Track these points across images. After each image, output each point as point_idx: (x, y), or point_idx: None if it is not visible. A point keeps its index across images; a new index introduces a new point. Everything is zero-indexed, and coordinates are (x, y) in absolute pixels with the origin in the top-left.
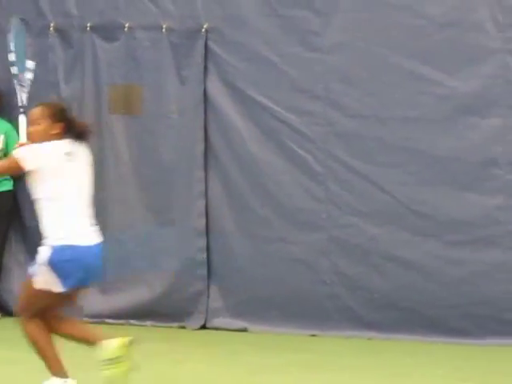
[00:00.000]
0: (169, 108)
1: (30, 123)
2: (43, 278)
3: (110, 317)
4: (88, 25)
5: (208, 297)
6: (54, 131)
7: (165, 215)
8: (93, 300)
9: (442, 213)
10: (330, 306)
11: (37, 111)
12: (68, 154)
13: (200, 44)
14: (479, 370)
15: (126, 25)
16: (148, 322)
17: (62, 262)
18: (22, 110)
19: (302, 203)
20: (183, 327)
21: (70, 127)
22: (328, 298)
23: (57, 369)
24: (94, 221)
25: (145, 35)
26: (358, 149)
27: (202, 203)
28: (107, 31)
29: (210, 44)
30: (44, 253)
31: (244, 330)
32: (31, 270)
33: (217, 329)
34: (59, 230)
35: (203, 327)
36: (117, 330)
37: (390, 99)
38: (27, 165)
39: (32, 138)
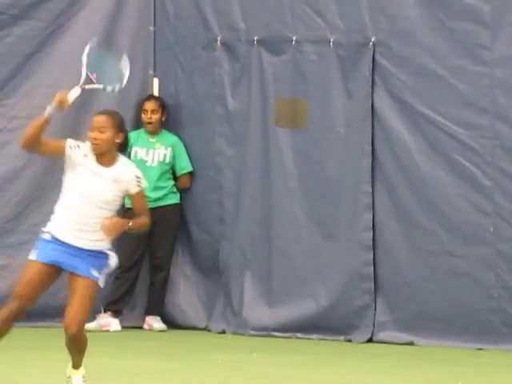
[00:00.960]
0: (335, 121)
1: (93, 129)
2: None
3: (276, 330)
4: (255, 38)
5: (375, 310)
6: (118, 140)
7: (331, 228)
8: (259, 313)
9: None
10: (496, 320)
11: (103, 119)
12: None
13: (367, 58)
14: None
15: (294, 38)
16: (314, 336)
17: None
18: None
19: (468, 217)
20: (349, 340)
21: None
22: (495, 312)
23: None
24: None
25: (312, 49)
26: None
27: (368, 217)
28: (274, 45)
29: (377, 57)
30: (115, 258)
31: (410, 343)
32: (94, 274)
33: (383, 342)
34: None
35: (369, 340)
36: (283, 343)
37: None
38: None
39: (97, 145)
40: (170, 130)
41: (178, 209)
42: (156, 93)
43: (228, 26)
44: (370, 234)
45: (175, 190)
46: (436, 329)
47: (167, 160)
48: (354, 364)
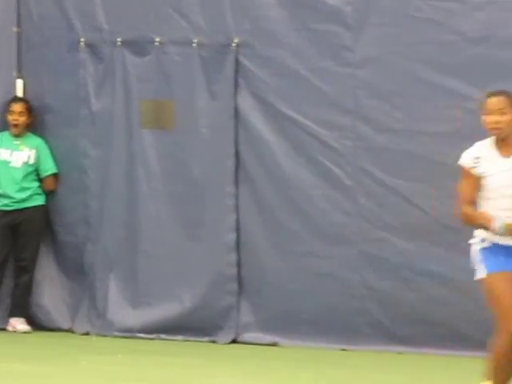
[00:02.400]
0: (199, 123)
1: (490, 112)
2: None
3: (140, 331)
4: (118, 39)
5: (238, 311)
6: None
7: (196, 230)
8: (124, 315)
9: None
10: (360, 321)
11: (500, 100)
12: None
13: (230, 59)
14: None
15: (157, 39)
16: (179, 337)
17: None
18: None
19: (332, 218)
20: (214, 341)
21: None
22: (358, 313)
23: None
24: None
25: (175, 50)
26: (388, 163)
27: (232, 218)
28: (138, 46)
29: (241, 58)
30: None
31: (274, 344)
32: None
33: (247, 343)
34: None
35: (234, 342)
36: (146, 345)
37: (420, 113)
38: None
39: (500, 128)
40: (35, 132)
41: (44, 210)
42: (20, 94)
43: (91, 27)
44: (234, 235)
45: (40, 191)
46: (300, 330)
47: (31, 161)
48: (218, 365)
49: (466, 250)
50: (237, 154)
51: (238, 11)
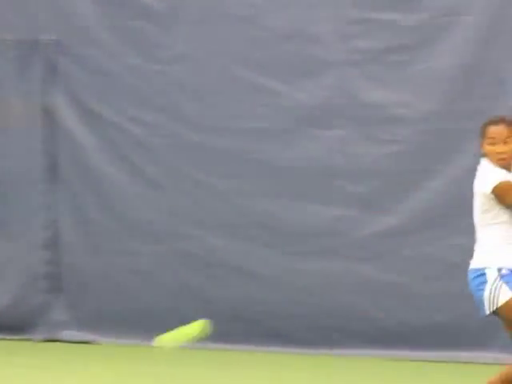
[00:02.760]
0: (9, 120)
1: (495, 142)
2: None
3: None
4: None
5: (54, 309)
6: None
7: (6, 228)
8: None
9: (283, 223)
10: (173, 318)
11: (504, 129)
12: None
13: (41, 56)
14: (322, 379)
15: None
16: None
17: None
18: None
19: (145, 215)
20: (29, 339)
21: None
22: (171, 310)
23: None
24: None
25: None
26: (202, 160)
27: (46, 215)
28: None
29: (52, 56)
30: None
31: (91, 342)
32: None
33: (62, 341)
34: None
35: (49, 340)
36: None
37: (232, 111)
38: None
39: (506, 159)
40: None
41: None
42: None
43: None
44: (48, 233)
45: None
46: (116, 327)
47: None
48: (34, 363)
49: (279, 246)
50: (49, 152)
51: (50, 8)
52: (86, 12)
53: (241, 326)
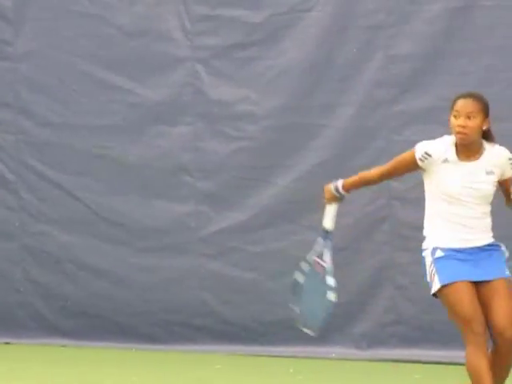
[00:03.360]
0: None
1: (458, 114)
2: None
3: None
4: None
5: None
6: (485, 127)
7: None
8: None
9: (132, 220)
10: (23, 314)
11: (472, 103)
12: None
13: None
14: (171, 375)
15: None
16: None
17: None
18: None
19: None
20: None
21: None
22: (21, 306)
23: None
24: None
25: None
26: (50, 157)
27: None
28: None
29: None
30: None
31: None
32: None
33: None
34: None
35: None
36: None
37: (80, 107)
38: None
39: (465, 133)
40: None
41: None
42: None
43: None
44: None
45: None
46: None
47: None
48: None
49: (126, 242)
50: None
51: None
52: None
53: (88, 322)
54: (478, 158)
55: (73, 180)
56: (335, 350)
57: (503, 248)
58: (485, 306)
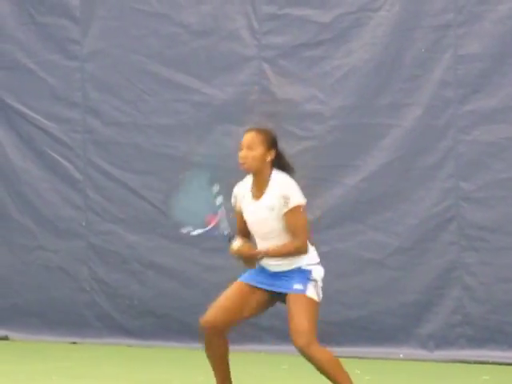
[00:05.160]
0: None
1: (241, 147)
2: (317, 292)
3: None
4: None
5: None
6: (269, 158)
7: None
8: None
9: (199, 219)
10: (89, 314)
11: (252, 136)
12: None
13: None
14: (238, 375)
15: None
16: None
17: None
18: None
19: (61, 211)
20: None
21: (278, 156)
22: (88, 306)
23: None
24: None
25: None
26: (117, 156)
27: None
28: None
29: None
30: (320, 271)
31: (5, 338)
32: (297, 288)
33: None
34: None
35: None
36: None
37: (147, 106)
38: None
39: (247, 164)
40: None
41: None
42: None
43: None
44: None
45: None
46: (30, 323)
47: None
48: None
49: (193, 243)
50: None
51: None
52: (1, 9)
53: (155, 322)
54: (262, 195)
55: (139, 179)
56: (403, 351)
57: (318, 272)
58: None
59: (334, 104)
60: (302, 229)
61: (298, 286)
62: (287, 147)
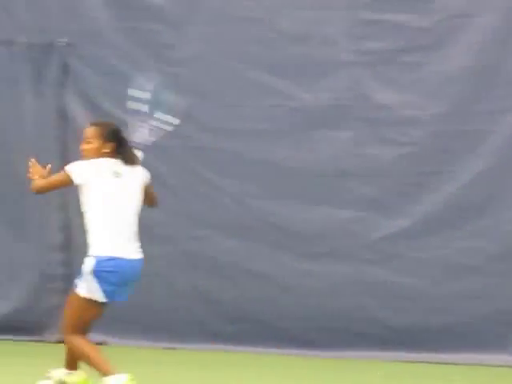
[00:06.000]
0: (24, 122)
1: (83, 141)
2: (87, 287)
3: None
4: None
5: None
6: (106, 150)
7: (21, 229)
8: None
9: (294, 225)
10: (186, 319)
11: (90, 130)
12: (115, 172)
13: (56, 58)
14: (330, 382)
15: None
16: (6, 336)
17: (104, 273)
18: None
19: (156, 216)
20: (42, 341)
21: (120, 148)
22: (183, 311)
23: (109, 368)
24: (137, 237)
25: (1, 49)
26: (213, 162)
27: (60, 217)
28: None
29: (67, 58)
30: (88, 262)
31: (102, 343)
32: (75, 281)
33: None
34: (102, 241)
35: (61, 341)
36: None
37: (243, 112)
38: (75, 178)
39: (85, 156)
40: None
41: None
42: None
43: None
44: (62, 235)
45: None
46: (127, 328)
47: None
48: (46, 364)
49: (289, 248)
50: (62, 153)
51: (65, 11)
52: (98, 15)
53: (249, 328)
54: None
55: (235, 185)
56: (501, 358)
57: (87, 264)
58: None
59: (431, 110)
60: None
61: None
62: (384, 153)
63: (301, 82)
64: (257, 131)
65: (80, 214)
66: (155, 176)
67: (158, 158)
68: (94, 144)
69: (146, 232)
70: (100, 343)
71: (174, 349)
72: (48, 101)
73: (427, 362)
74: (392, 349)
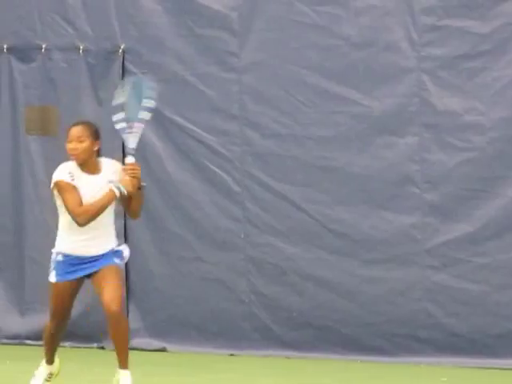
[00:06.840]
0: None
1: (71, 140)
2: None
3: (28, 338)
4: (4, 46)
5: (127, 316)
6: (95, 148)
7: None
8: (11, 321)
9: (358, 231)
10: (247, 326)
11: (79, 129)
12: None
13: (117, 65)
14: None
15: (43, 46)
16: (67, 343)
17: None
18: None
19: (219, 223)
20: (102, 348)
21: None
22: (246, 318)
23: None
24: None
25: (61, 56)
26: (275, 168)
27: (119, 223)
28: (23, 52)
29: (127, 65)
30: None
31: (163, 349)
32: (116, 261)
33: (135, 349)
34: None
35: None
36: (35, 351)
37: (305, 118)
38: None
39: (77, 154)
40: None
41: None
42: None
43: None
44: (122, 241)
45: None
46: (188, 335)
47: None
48: (106, 371)
49: (353, 254)
50: (123, 160)
51: (124, 17)
52: (159, 21)
53: (313, 334)
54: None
55: (298, 191)
56: None
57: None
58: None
59: (493, 115)
60: None
61: (117, 260)
62: (447, 158)
63: (364, 89)
64: (320, 137)
65: (138, 220)
66: (219, 183)
67: (220, 164)
68: (87, 142)
69: (210, 238)
70: (160, 350)
71: (236, 355)
72: (109, 108)
73: (491, 368)
74: (456, 355)
